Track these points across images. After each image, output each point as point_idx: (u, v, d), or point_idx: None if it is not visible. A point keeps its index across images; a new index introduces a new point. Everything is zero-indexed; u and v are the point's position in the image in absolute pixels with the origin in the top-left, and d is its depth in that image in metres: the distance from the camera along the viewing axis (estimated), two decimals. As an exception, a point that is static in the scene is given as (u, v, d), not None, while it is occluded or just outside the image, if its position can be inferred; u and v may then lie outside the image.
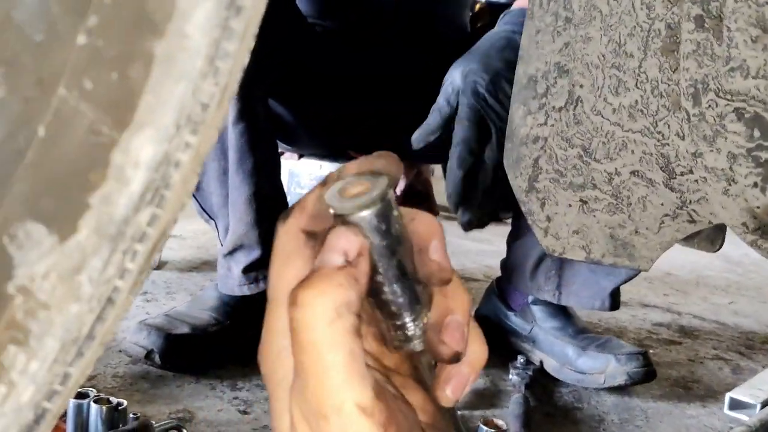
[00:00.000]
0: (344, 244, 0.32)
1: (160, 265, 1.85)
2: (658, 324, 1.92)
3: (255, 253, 1.34)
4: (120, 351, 1.30)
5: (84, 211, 0.28)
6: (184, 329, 1.29)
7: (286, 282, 0.34)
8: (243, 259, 1.35)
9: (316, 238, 0.35)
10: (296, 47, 1.42)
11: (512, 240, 1.50)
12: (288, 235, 0.36)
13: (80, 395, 0.91)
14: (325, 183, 0.36)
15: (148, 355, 1.25)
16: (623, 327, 1.84)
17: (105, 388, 1.16)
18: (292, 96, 1.48)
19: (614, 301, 1.41)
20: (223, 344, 1.32)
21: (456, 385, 0.36)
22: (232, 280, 1.36)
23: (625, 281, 1.40)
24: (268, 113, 1.38)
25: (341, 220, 0.33)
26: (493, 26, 1.23)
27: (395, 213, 0.34)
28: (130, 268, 0.31)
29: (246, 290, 1.36)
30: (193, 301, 1.42)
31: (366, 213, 0.33)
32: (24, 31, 0.26)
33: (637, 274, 1.39)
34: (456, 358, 0.35)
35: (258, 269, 1.35)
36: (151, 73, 0.28)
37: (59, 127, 0.27)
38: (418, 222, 0.36)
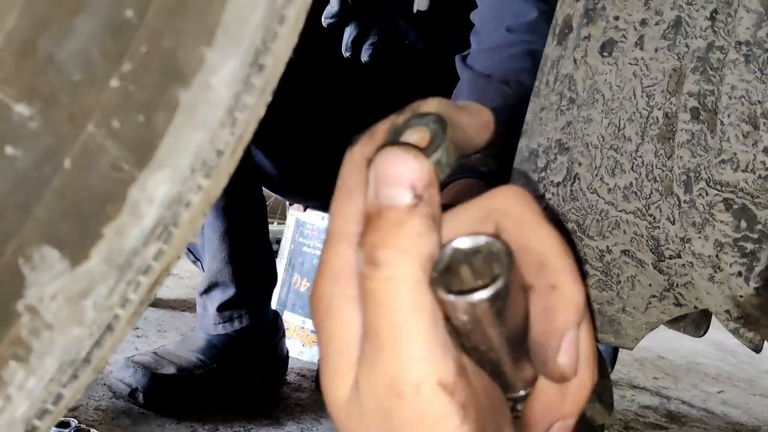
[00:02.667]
0: (409, 173, 0.27)
1: (154, 302, 1.85)
2: (646, 407, 1.90)
3: (229, 292, 1.34)
4: (105, 384, 1.30)
5: (97, 241, 0.30)
6: (170, 369, 1.29)
7: (347, 218, 0.30)
8: (218, 296, 1.35)
9: None
10: (288, 93, 1.44)
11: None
12: (352, 164, 0.31)
13: (62, 424, 0.91)
14: (401, 112, 0.30)
15: (132, 393, 1.25)
16: (610, 407, 1.83)
17: (86, 419, 1.16)
18: (275, 145, 1.47)
19: (611, 365, 1.40)
20: (208, 388, 1.31)
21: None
22: (207, 319, 1.36)
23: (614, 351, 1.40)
24: (247, 154, 1.40)
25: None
26: None
27: (503, 297, 0.28)
28: (132, 299, 0.33)
29: (220, 329, 1.35)
30: (182, 342, 1.42)
31: (478, 296, 0.28)
32: (63, 70, 0.28)
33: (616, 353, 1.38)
34: (563, 376, 0.30)
35: (233, 308, 1.35)
36: (174, 119, 0.30)
37: (84, 160, 0.29)
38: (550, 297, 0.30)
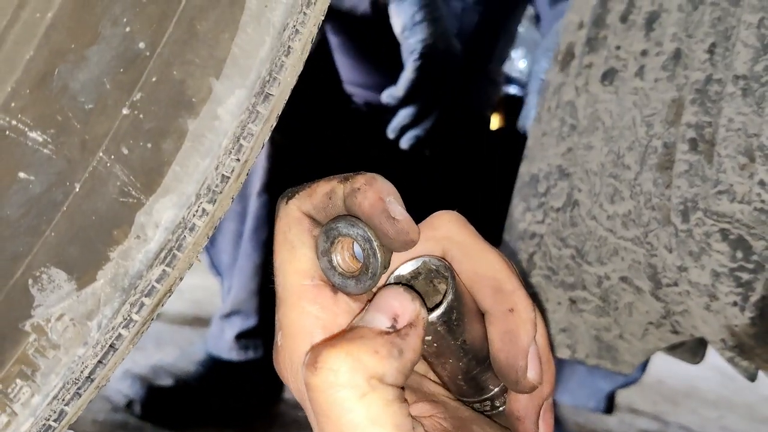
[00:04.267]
0: (396, 306, 0.28)
1: (154, 315, 1.85)
2: (645, 431, 1.90)
3: (251, 321, 1.36)
4: (103, 397, 1.30)
5: (104, 263, 0.31)
6: (168, 382, 1.29)
7: (299, 273, 0.31)
8: (238, 324, 1.36)
9: (319, 225, 0.32)
10: (331, 123, 1.47)
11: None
12: (289, 218, 0.32)
13: (59, 437, 0.91)
14: (347, 179, 0.31)
15: (129, 404, 1.25)
16: (609, 430, 1.82)
17: (83, 432, 1.16)
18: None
19: (609, 404, 1.40)
20: (205, 402, 1.31)
21: (547, 423, 0.33)
22: (223, 342, 1.38)
23: (623, 386, 1.40)
24: None
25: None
26: (509, 130, 1.32)
27: (455, 313, 0.31)
28: (135, 319, 0.33)
29: (234, 355, 1.37)
30: (181, 355, 1.43)
31: (434, 315, 0.30)
32: (77, 99, 0.29)
33: (634, 382, 1.39)
34: (533, 388, 0.32)
35: (250, 337, 1.37)
36: (182, 146, 0.31)
37: (94, 185, 0.30)
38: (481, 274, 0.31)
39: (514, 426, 0.33)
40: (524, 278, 0.79)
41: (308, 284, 0.31)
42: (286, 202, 0.32)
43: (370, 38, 1.49)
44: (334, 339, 0.27)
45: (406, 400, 0.27)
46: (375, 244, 0.30)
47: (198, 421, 1.29)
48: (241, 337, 1.36)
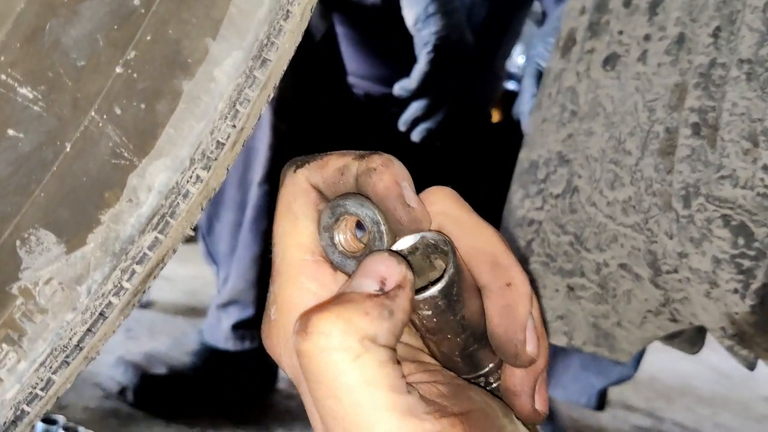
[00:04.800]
0: (383, 270, 0.27)
1: (147, 305, 1.84)
2: (639, 427, 1.90)
3: (248, 312, 1.35)
4: (95, 384, 1.29)
5: (94, 226, 0.30)
6: (162, 370, 1.29)
7: (300, 246, 0.30)
8: (235, 314, 1.36)
9: (326, 200, 0.31)
10: (335, 115, 1.47)
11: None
12: (296, 187, 0.31)
13: (50, 421, 0.91)
14: (363, 157, 0.30)
15: (122, 391, 1.24)
16: (603, 427, 1.82)
17: (74, 418, 1.15)
18: None
19: (601, 400, 1.40)
20: (198, 391, 1.31)
21: (542, 397, 0.33)
22: (219, 332, 1.37)
23: (615, 383, 1.40)
24: None
25: None
26: (506, 123, 1.31)
27: (456, 287, 0.30)
28: (126, 287, 0.32)
29: (231, 345, 1.36)
30: (174, 344, 1.42)
31: (435, 289, 0.29)
32: (69, 56, 0.28)
33: (627, 379, 1.38)
34: (532, 362, 0.32)
35: (247, 328, 1.36)
36: (176, 108, 0.30)
37: (85, 145, 0.29)
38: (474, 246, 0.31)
39: (510, 401, 0.33)
40: (522, 265, 0.78)
41: (308, 259, 0.30)
42: (294, 171, 0.31)
43: (378, 30, 1.48)
44: (323, 304, 0.27)
45: (398, 362, 0.27)
46: (383, 227, 0.29)
47: (191, 410, 1.28)
48: (238, 327, 1.36)
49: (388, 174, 0.29)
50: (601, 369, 1.33)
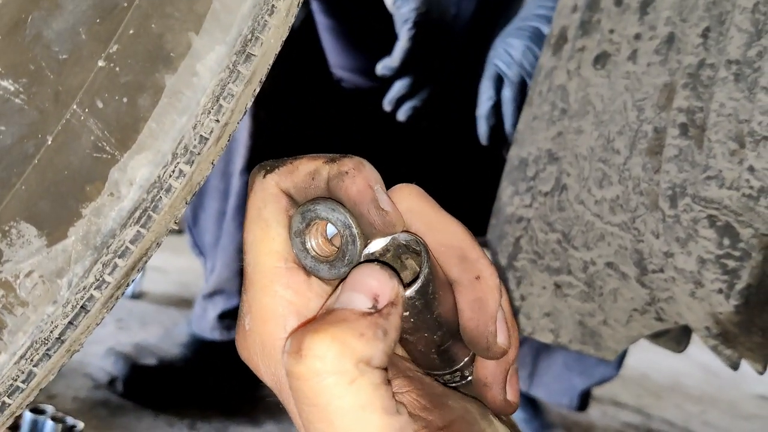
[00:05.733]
0: (375, 286, 0.27)
1: (139, 296, 1.84)
2: (627, 424, 1.91)
3: (233, 301, 1.35)
4: (84, 374, 1.29)
5: (75, 220, 0.30)
6: (152, 361, 1.29)
7: (272, 254, 0.30)
8: (221, 304, 1.36)
9: (296, 205, 0.30)
10: (317, 103, 1.46)
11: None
12: (265, 192, 0.31)
13: (38, 411, 0.91)
14: (334, 160, 0.30)
15: (112, 381, 1.25)
16: (592, 423, 1.83)
17: (63, 408, 1.15)
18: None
19: (583, 402, 1.40)
20: (188, 382, 1.31)
21: (513, 388, 0.33)
22: (205, 322, 1.37)
23: (598, 383, 1.40)
24: None
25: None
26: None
27: (432, 286, 0.30)
28: (108, 281, 0.32)
29: (217, 335, 1.36)
30: (165, 335, 1.42)
31: (411, 290, 0.29)
32: (51, 49, 0.28)
33: (609, 379, 1.39)
34: (504, 353, 0.32)
35: (233, 318, 1.36)
36: (158, 102, 0.30)
37: (67, 138, 0.29)
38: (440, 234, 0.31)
39: (482, 393, 0.33)
40: (511, 262, 0.78)
41: (282, 267, 0.30)
42: (264, 176, 0.31)
43: (361, 17, 1.47)
44: (315, 323, 0.26)
45: (389, 381, 0.26)
46: (356, 231, 0.29)
47: (181, 401, 1.28)
48: (224, 317, 1.36)
49: (360, 177, 0.29)
50: (584, 369, 1.33)
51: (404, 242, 0.30)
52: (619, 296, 0.71)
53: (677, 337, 0.77)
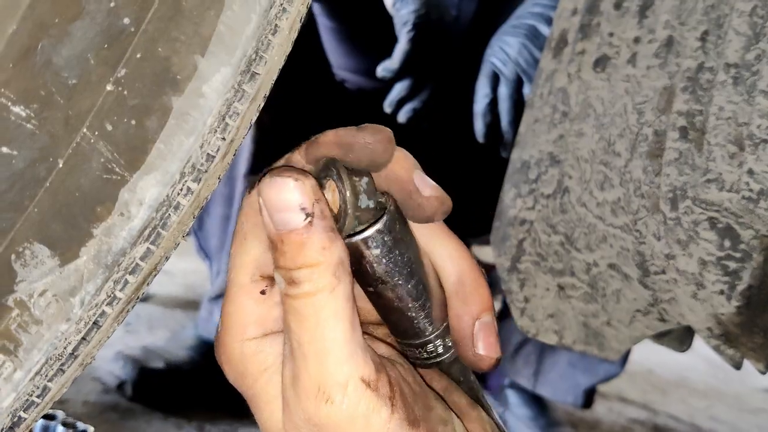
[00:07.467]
0: (294, 196, 0.29)
1: (146, 298, 1.86)
2: (634, 420, 1.91)
3: None
4: (93, 378, 1.31)
5: (87, 240, 0.31)
6: (159, 364, 1.30)
7: (241, 268, 0.33)
8: None
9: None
10: (320, 106, 1.46)
11: (499, 319, 1.51)
12: (249, 207, 0.33)
13: (48, 416, 0.92)
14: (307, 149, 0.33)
15: (121, 385, 1.26)
16: (598, 419, 1.83)
17: (74, 413, 1.16)
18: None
19: (587, 399, 1.41)
20: (196, 385, 1.32)
21: (486, 341, 0.34)
22: (212, 325, 1.38)
23: (602, 381, 1.41)
24: None
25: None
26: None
27: (399, 226, 0.32)
28: (119, 297, 0.33)
29: None
30: (172, 338, 1.43)
31: (369, 232, 0.31)
32: (61, 75, 0.29)
33: (614, 377, 1.39)
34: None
35: None
36: (166, 124, 0.31)
37: (77, 161, 0.30)
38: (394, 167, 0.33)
39: (464, 356, 0.34)
40: (514, 264, 0.79)
41: (248, 278, 0.33)
42: (249, 191, 0.33)
43: (362, 19, 1.48)
44: (289, 257, 0.29)
45: (354, 297, 0.30)
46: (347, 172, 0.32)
47: (189, 404, 1.29)
48: None
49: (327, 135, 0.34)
50: (588, 367, 1.34)
51: (365, 185, 0.32)
52: (622, 297, 0.72)
53: (680, 337, 0.78)
